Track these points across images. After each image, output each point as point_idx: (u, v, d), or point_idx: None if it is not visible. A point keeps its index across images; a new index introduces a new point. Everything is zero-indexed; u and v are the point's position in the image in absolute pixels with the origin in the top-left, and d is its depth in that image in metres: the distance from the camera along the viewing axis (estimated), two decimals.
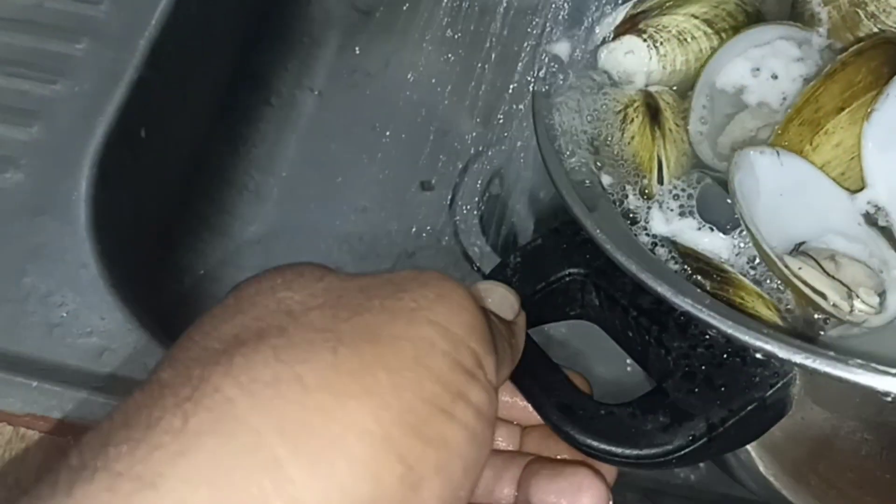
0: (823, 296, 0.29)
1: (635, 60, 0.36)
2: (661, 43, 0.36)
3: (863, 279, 0.29)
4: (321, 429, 0.21)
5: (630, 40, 0.36)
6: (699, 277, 0.32)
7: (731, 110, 0.36)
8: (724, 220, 0.34)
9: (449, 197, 0.56)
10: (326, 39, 0.60)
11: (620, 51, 0.36)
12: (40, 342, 0.40)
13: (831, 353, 0.27)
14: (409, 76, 0.54)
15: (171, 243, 0.51)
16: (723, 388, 0.29)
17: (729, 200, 0.33)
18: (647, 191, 0.35)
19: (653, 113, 0.36)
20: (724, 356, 0.30)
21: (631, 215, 0.35)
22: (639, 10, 0.37)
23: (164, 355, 0.24)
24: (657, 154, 0.35)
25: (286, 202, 0.56)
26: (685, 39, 0.36)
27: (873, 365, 0.26)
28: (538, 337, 0.32)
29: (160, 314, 0.43)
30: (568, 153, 0.35)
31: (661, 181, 0.35)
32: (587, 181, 0.34)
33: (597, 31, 0.38)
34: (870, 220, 0.32)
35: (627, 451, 0.29)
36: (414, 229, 0.54)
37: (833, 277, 0.29)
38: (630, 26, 0.37)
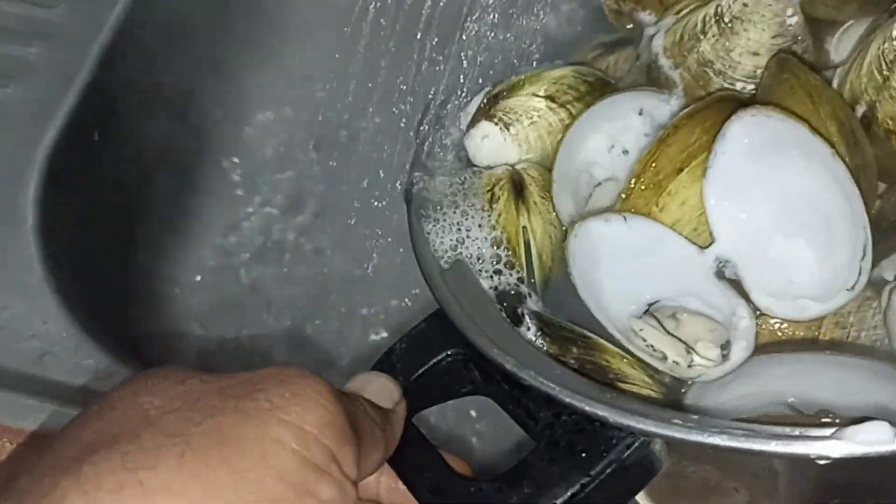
0: (664, 355, 0.30)
1: (492, 143, 0.38)
2: (511, 124, 0.38)
3: (703, 333, 0.30)
4: None
5: (483, 126, 0.39)
6: (566, 345, 0.34)
7: (593, 182, 0.38)
8: None
9: None
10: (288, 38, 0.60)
11: (477, 137, 0.39)
12: None
13: (672, 418, 0.28)
14: None
15: (125, 247, 0.51)
16: (583, 454, 0.30)
17: None
18: (516, 264, 0.37)
19: (517, 188, 0.38)
20: (585, 422, 0.31)
21: (506, 291, 0.37)
22: (489, 97, 0.39)
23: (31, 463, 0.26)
24: (522, 227, 0.37)
25: (248, 205, 0.56)
26: (532, 117, 0.38)
27: (709, 423, 0.28)
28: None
29: (106, 319, 0.44)
30: (440, 241, 0.37)
31: (528, 253, 0.37)
32: (456, 265, 0.36)
33: (459, 124, 0.40)
34: (720, 273, 0.33)
35: None
36: None
37: (673, 335, 0.30)
38: (483, 114, 0.39)
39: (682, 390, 0.33)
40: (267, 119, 0.59)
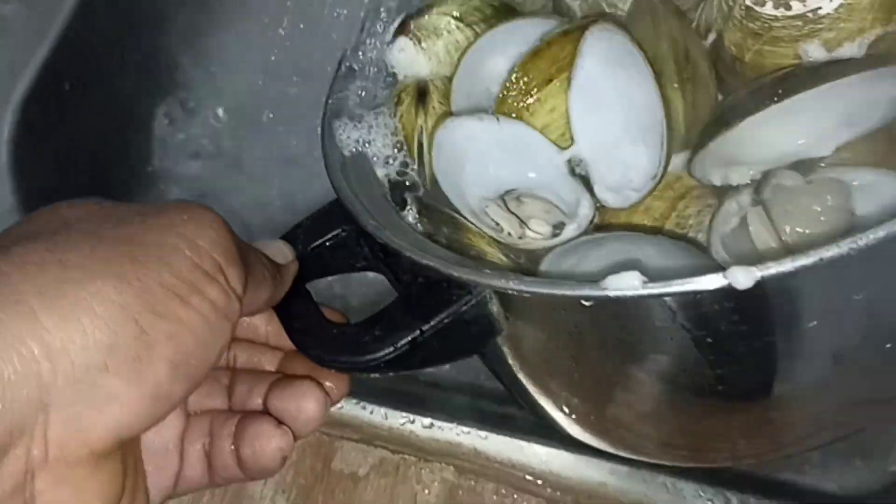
0: (502, 229, 0.35)
1: (406, 56, 0.44)
2: (423, 39, 0.43)
3: (538, 213, 0.35)
4: (72, 295, 0.28)
5: (401, 40, 0.44)
6: (438, 226, 0.39)
7: (490, 96, 0.43)
8: None
9: None
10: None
11: (395, 49, 0.44)
12: None
13: (485, 268, 0.33)
14: None
15: (96, 188, 0.56)
16: (427, 307, 0.35)
17: None
18: (408, 158, 0.42)
19: (421, 94, 0.43)
20: (434, 283, 0.36)
21: (399, 181, 0.42)
22: (408, 15, 0.44)
23: None
24: (419, 126, 0.42)
25: (214, 155, 0.62)
26: (442, 34, 0.43)
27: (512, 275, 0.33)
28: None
29: None
30: (347, 136, 0.42)
31: (420, 149, 0.42)
32: (359, 156, 0.42)
33: (386, 38, 0.45)
34: (573, 171, 0.38)
35: (347, 359, 0.35)
36: None
37: (513, 213, 0.35)
38: (401, 30, 0.44)
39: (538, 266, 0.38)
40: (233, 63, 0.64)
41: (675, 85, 0.35)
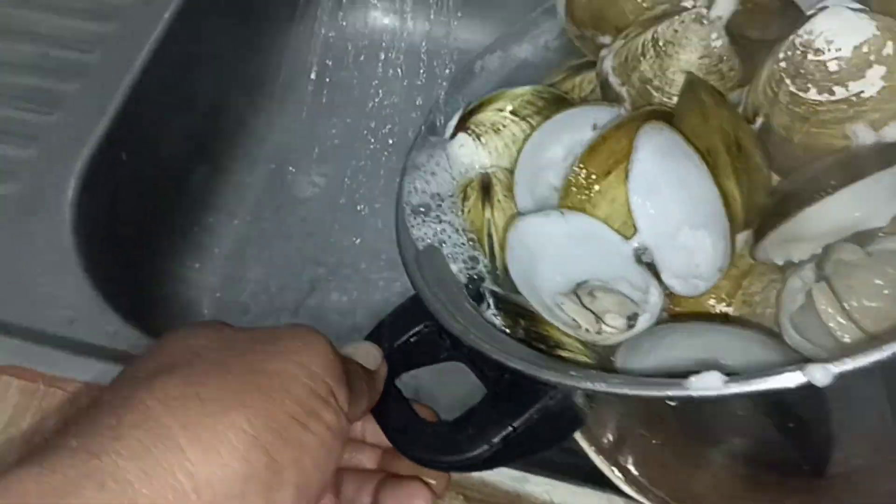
0: (578, 324, 0.37)
1: (467, 151, 0.46)
2: (482, 134, 0.46)
3: (612, 307, 0.37)
4: (211, 428, 0.31)
5: (460, 136, 0.46)
6: (516, 318, 0.41)
7: (551, 185, 0.45)
8: None
9: None
10: (297, 82, 0.68)
11: (456, 145, 0.46)
12: (26, 312, 0.51)
13: (570, 370, 0.35)
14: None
15: (147, 240, 0.62)
16: (515, 403, 0.38)
17: None
18: (480, 252, 0.44)
19: (485, 188, 0.45)
20: (520, 380, 0.38)
21: (472, 274, 0.44)
22: (465, 112, 0.47)
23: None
24: (486, 220, 0.44)
25: (252, 226, 0.67)
26: (498, 129, 0.46)
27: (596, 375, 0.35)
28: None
29: (126, 293, 0.54)
30: (421, 231, 0.45)
31: (491, 243, 0.44)
32: (431, 250, 0.44)
33: (446, 135, 0.48)
34: (639, 258, 0.40)
35: (446, 459, 0.38)
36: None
37: (587, 308, 0.37)
38: (460, 126, 0.47)
39: (612, 357, 0.40)
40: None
41: (731, 177, 0.37)
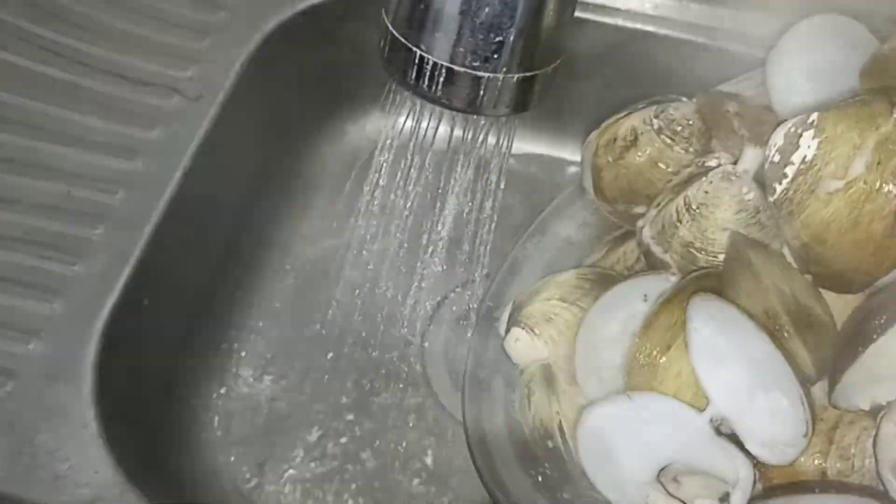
0: None
1: (523, 344, 0.46)
2: (534, 326, 0.46)
3: (700, 491, 0.35)
4: None
5: (514, 331, 0.46)
6: None
7: (613, 365, 0.44)
8: None
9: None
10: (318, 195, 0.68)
11: (511, 340, 0.46)
12: (47, 491, 0.46)
13: None
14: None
15: (169, 400, 0.58)
16: None
17: None
18: (556, 447, 0.43)
19: (548, 381, 0.45)
20: None
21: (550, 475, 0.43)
22: (514, 307, 0.47)
23: None
24: (555, 412, 0.43)
25: (282, 364, 0.62)
26: (549, 317, 0.46)
27: None
28: None
29: (151, 467, 0.51)
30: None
31: (563, 435, 0.43)
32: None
33: (500, 331, 0.48)
34: (718, 430, 0.38)
35: None
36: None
37: (675, 497, 0.35)
38: (512, 321, 0.47)
39: None
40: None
41: (795, 336, 0.36)
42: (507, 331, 0.47)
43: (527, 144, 0.70)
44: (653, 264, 0.46)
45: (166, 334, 0.59)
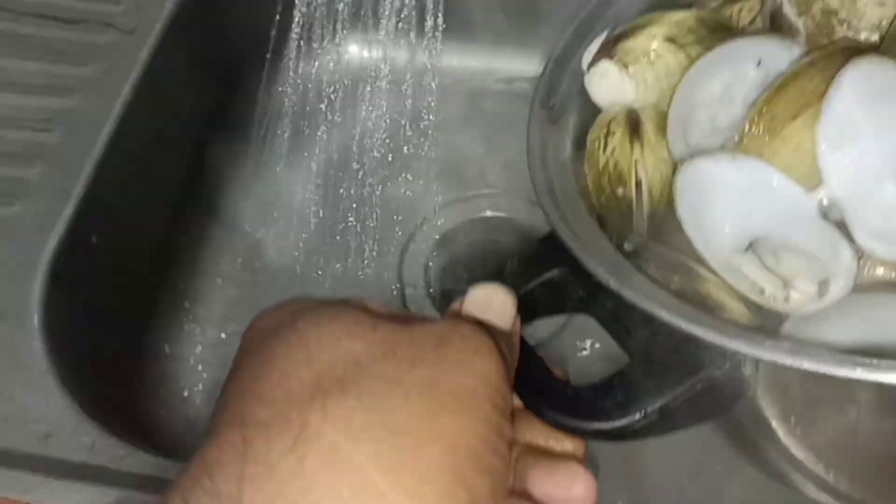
0: (762, 289, 0.32)
1: (609, 82, 0.40)
2: (630, 64, 0.40)
3: (801, 270, 0.32)
4: (409, 466, 0.26)
5: (602, 65, 0.40)
6: (668, 273, 0.36)
7: (707, 126, 0.39)
8: None
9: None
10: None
11: (597, 75, 0.41)
12: None
13: (765, 340, 0.30)
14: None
15: (124, 336, 0.55)
16: (675, 371, 0.33)
17: None
18: (627, 196, 0.39)
19: (633, 126, 0.40)
20: (679, 342, 0.33)
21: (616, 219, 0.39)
22: (611, 37, 0.41)
23: (244, 390, 0.28)
24: (634, 161, 0.39)
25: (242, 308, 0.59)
26: (651, 58, 0.40)
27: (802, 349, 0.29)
28: None
29: (105, 401, 0.47)
30: (556, 172, 0.39)
31: (639, 187, 0.38)
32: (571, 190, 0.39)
33: (583, 63, 0.42)
34: (825, 214, 0.35)
35: (589, 425, 0.33)
36: None
37: (771, 271, 0.32)
38: (603, 53, 0.41)
39: (780, 325, 0.35)
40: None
41: None
42: (593, 63, 0.41)
43: None
44: (778, 27, 0.41)
45: (121, 273, 0.55)
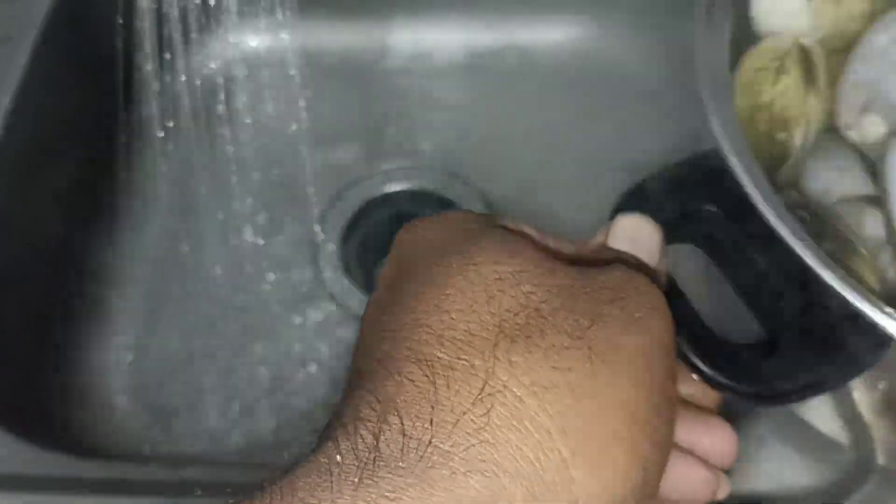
0: None
1: (786, 5, 0.37)
2: None
3: None
4: (592, 435, 0.23)
5: None
6: (821, 240, 0.35)
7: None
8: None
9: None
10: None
11: None
12: None
13: None
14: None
15: (35, 336, 0.52)
16: (835, 350, 0.33)
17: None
18: (785, 143, 0.37)
19: (809, 68, 0.37)
20: (839, 318, 0.33)
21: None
22: None
23: (417, 321, 0.25)
24: (807, 110, 0.37)
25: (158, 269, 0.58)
26: None
27: None
28: None
29: (20, 410, 0.46)
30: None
31: (805, 136, 0.37)
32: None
33: None
34: None
35: (745, 388, 0.33)
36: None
37: None
38: None
39: None
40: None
41: None
42: None
43: None
44: None
45: (19, 282, 0.51)
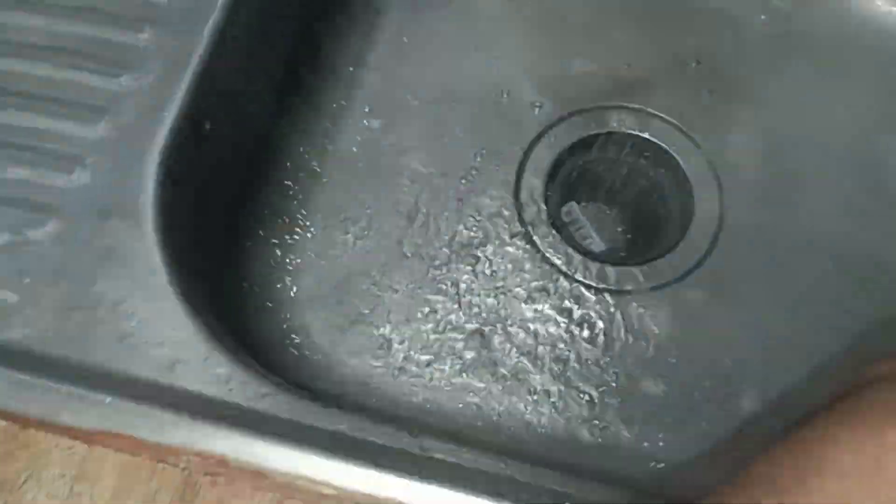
0: None
1: None
2: None
3: None
4: None
5: None
6: None
7: None
8: None
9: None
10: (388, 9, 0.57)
11: None
12: (111, 353, 0.39)
13: None
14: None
15: (239, 242, 0.51)
16: None
17: None
18: None
19: None
20: None
21: None
22: None
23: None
24: None
25: (352, 185, 0.55)
26: None
27: None
28: None
29: (229, 322, 0.44)
30: None
31: None
32: None
33: None
34: None
35: None
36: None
37: None
38: None
39: None
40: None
41: None
42: None
43: None
44: None
45: (228, 167, 0.49)
